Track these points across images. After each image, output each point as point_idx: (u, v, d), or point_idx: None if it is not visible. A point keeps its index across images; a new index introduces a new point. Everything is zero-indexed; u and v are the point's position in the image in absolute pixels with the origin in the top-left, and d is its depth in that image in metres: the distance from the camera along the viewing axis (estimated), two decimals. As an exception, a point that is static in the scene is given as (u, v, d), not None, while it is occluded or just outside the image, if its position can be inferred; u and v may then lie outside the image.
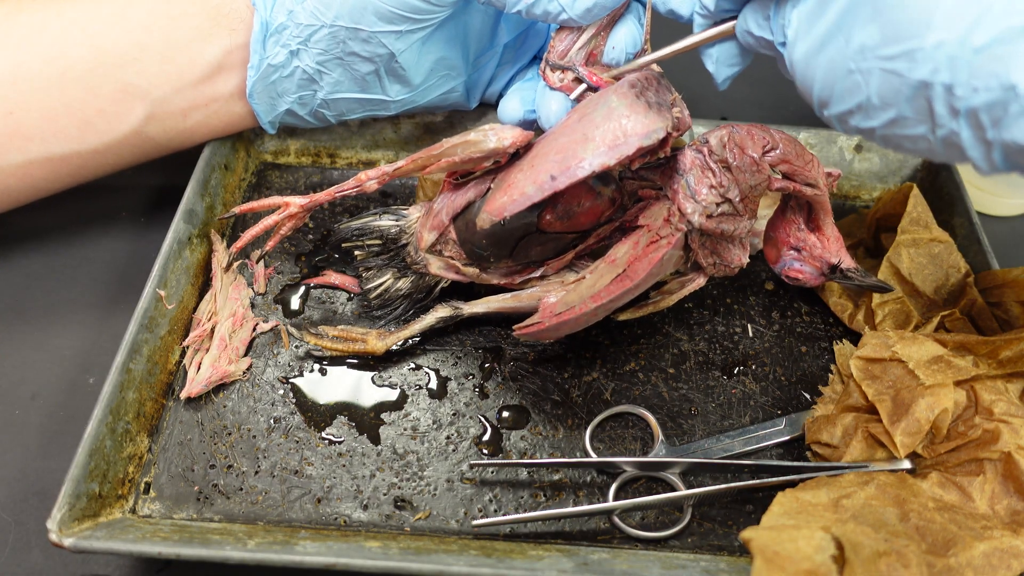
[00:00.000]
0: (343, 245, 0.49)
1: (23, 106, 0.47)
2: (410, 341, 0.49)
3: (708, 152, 0.43)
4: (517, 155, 0.44)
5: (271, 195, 0.57)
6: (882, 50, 0.30)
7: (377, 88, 0.49)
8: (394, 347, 0.49)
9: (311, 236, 0.55)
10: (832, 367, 0.48)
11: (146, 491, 0.43)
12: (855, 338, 0.50)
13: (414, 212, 0.49)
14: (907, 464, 0.42)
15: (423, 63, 0.49)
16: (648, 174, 0.45)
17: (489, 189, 0.44)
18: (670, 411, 0.47)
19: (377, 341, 0.47)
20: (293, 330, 0.47)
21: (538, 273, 0.47)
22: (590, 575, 0.38)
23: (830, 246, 0.46)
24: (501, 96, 0.53)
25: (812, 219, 0.47)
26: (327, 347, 0.47)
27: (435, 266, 0.48)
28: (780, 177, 0.44)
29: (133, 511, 0.42)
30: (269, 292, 0.52)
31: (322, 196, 0.47)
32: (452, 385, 0.48)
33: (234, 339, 0.48)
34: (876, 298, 0.49)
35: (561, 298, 0.45)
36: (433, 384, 0.48)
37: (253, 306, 0.51)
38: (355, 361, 0.49)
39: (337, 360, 0.48)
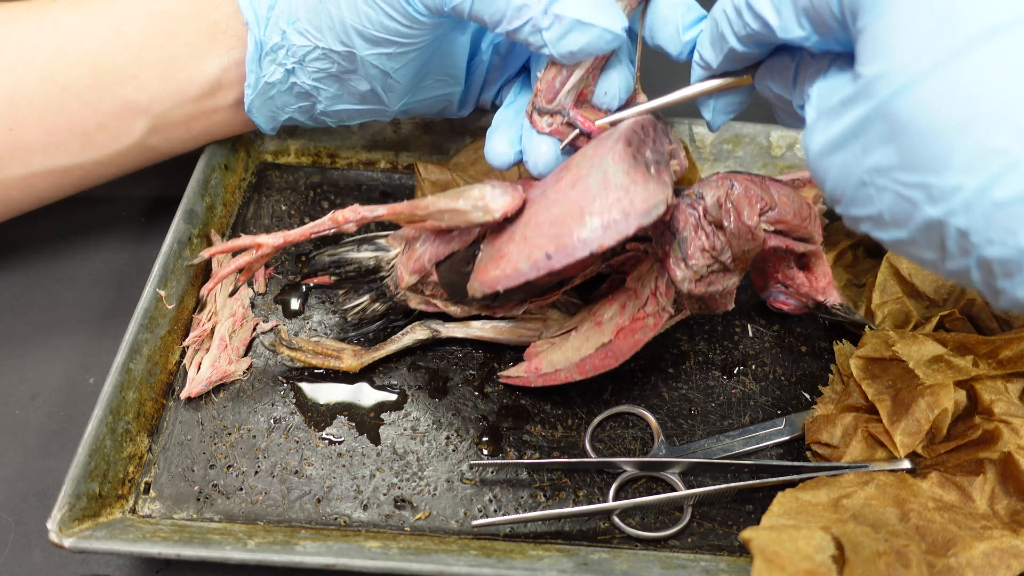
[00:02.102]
0: (318, 273, 0.49)
1: (23, 122, 0.47)
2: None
3: (703, 212, 0.41)
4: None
5: (271, 195, 0.57)
6: (898, 174, 0.28)
7: (375, 100, 0.49)
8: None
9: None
10: (832, 367, 0.48)
11: (146, 491, 0.43)
12: (855, 338, 0.50)
13: (394, 246, 0.47)
14: (907, 464, 0.42)
15: (419, 75, 0.48)
16: None
17: (476, 240, 0.43)
18: (670, 411, 0.47)
19: (352, 359, 0.47)
20: (265, 341, 0.47)
21: (521, 311, 0.46)
22: (590, 575, 0.38)
23: (818, 285, 0.46)
24: (494, 105, 0.52)
25: (803, 259, 0.46)
26: (302, 360, 0.47)
27: (415, 301, 0.47)
28: (774, 233, 0.43)
29: (133, 511, 0.42)
30: (269, 292, 0.52)
31: (296, 235, 0.43)
32: (452, 385, 0.48)
33: (234, 339, 0.48)
34: (876, 298, 0.49)
35: (546, 356, 0.44)
36: (433, 384, 0.48)
37: (253, 306, 0.51)
38: (355, 361, 0.49)
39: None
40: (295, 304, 0.51)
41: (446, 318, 0.48)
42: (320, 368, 0.47)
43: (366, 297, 0.48)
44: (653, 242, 0.43)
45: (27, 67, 0.46)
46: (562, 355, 0.44)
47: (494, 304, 0.45)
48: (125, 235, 0.57)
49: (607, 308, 0.44)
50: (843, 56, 0.33)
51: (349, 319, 0.48)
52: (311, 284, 0.52)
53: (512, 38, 0.40)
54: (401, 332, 0.48)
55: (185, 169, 0.53)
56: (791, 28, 0.32)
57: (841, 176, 0.30)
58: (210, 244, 0.53)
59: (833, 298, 0.46)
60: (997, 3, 0.25)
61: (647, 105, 0.42)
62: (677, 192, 0.42)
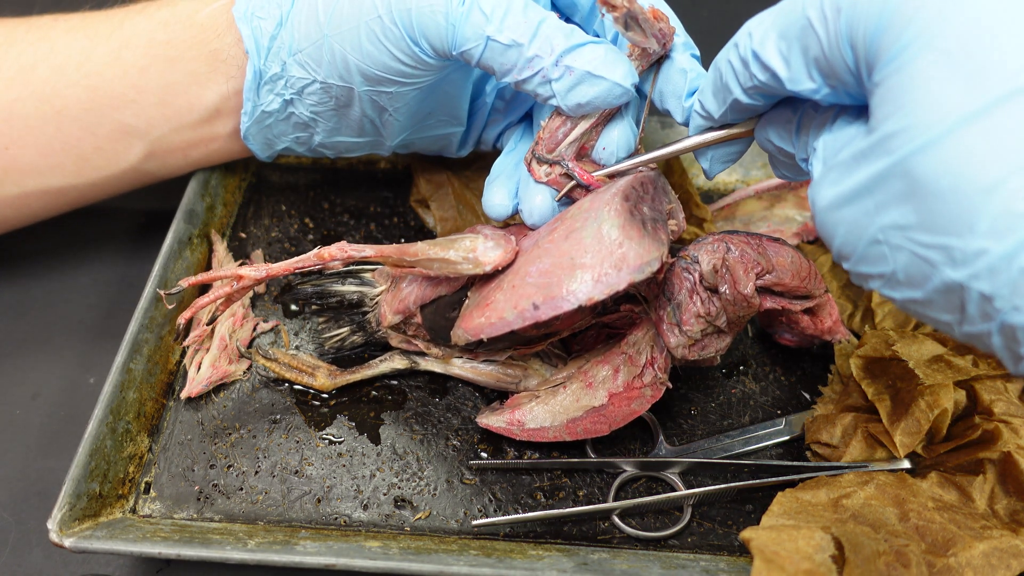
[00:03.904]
0: (299, 302, 0.48)
1: (18, 142, 0.47)
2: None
3: (699, 277, 0.41)
4: None
5: (271, 195, 0.57)
6: (915, 234, 0.26)
7: (373, 133, 0.48)
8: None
9: (311, 237, 0.55)
10: (832, 367, 0.48)
11: (146, 491, 0.43)
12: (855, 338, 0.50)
13: (379, 282, 0.47)
14: (907, 464, 0.42)
15: (419, 114, 0.48)
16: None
17: (463, 286, 0.42)
18: (670, 411, 0.47)
19: (326, 379, 0.46)
20: (243, 349, 0.47)
21: (503, 357, 0.45)
22: (590, 575, 0.38)
23: (823, 327, 0.45)
24: (494, 146, 0.52)
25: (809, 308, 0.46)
26: (275, 372, 0.46)
27: (396, 340, 0.47)
28: (771, 295, 0.43)
29: (133, 511, 0.42)
30: (269, 292, 0.52)
31: (279, 269, 0.42)
32: (452, 385, 0.48)
33: (234, 339, 0.48)
34: (876, 297, 0.49)
35: (530, 409, 0.43)
36: (433, 384, 0.48)
37: (253, 306, 0.51)
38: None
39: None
40: (295, 304, 0.51)
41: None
42: (293, 383, 0.47)
43: (346, 329, 0.48)
44: (648, 304, 0.42)
45: (25, 87, 0.46)
46: (548, 411, 0.43)
47: (477, 349, 0.45)
48: (126, 238, 0.57)
49: (599, 368, 0.43)
50: (849, 109, 0.31)
51: (327, 348, 0.48)
52: (292, 307, 0.51)
53: (519, 88, 0.40)
54: (379, 359, 0.47)
55: (186, 179, 0.53)
56: (801, 80, 0.31)
57: (851, 232, 0.28)
58: (210, 244, 0.53)
59: (840, 335, 0.45)
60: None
61: (646, 156, 0.40)
62: (673, 251, 0.42)
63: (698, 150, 0.40)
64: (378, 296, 0.47)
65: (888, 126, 0.27)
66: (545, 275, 0.37)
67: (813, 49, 0.30)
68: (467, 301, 0.42)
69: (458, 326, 0.40)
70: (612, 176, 0.41)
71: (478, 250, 0.40)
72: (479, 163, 0.56)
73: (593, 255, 0.36)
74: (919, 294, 0.27)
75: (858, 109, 0.31)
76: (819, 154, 0.31)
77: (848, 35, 0.28)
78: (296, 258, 0.42)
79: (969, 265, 0.25)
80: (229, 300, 0.43)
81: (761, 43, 0.32)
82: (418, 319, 0.45)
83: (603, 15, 0.37)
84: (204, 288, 0.51)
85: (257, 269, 0.42)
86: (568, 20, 0.43)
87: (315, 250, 0.42)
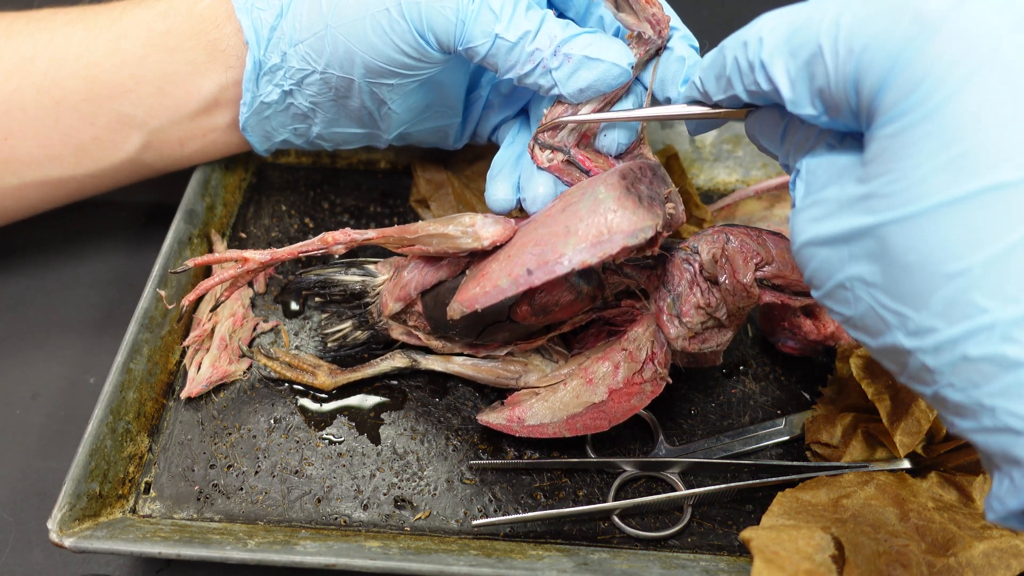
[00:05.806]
0: (303, 293, 0.48)
1: (17, 133, 0.47)
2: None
3: (699, 268, 0.41)
4: None
5: (271, 195, 0.57)
6: (878, 293, 0.28)
7: (371, 125, 0.48)
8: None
9: (311, 237, 0.55)
10: (832, 367, 0.48)
11: (146, 491, 0.43)
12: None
13: (382, 272, 0.47)
14: (907, 464, 0.42)
15: (417, 106, 0.48)
16: (633, 272, 0.42)
17: (464, 271, 0.42)
18: (670, 411, 0.47)
19: (327, 378, 0.46)
20: (245, 348, 0.47)
21: (503, 352, 0.45)
22: (590, 575, 0.38)
23: (826, 331, 0.45)
24: (489, 139, 0.52)
25: (809, 307, 0.46)
26: (276, 371, 0.46)
27: (397, 331, 0.47)
28: (770, 289, 0.43)
29: (133, 511, 0.42)
30: (269, 292, 0.52)
31: (284, 253, 0.43)
32: (452, 385, 0.48)
33: (234, 339, 0.48)
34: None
35: (530, 406, 0.43)
36: (433, 384, 0.48)
37: (253, 306, 0.51)
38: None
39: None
40: (295, 304, 0.51)
41: (427, 350, 0.47)
42: (293, 382, 0.47)
43: (348, 324, 0.48)
44: (648, 299, 0.42)
45: (24, 78, 0.46)
46: (548, 408, 0.43)
47: (477, 342, 0.45)
48: (126, 236, 0.57)
49: (599, 365, 0.43)
50: (832, 132, 0.32)
51: (329, 344, 0.48)
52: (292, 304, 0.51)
53: (521, 83, 0.41)
54: (380, 358, 0.47)
55: (185, 175, 0.53)
56: (803, 105, 0.31)
57: (822, 270, 0.30)
58: (210, 244, 0.53)
59: (844, 341, 0.45)
60: (1010, 157, 0.25)
61: (642, 111, 0.40)
62: (671, 247, 0.42)
63: (687, 121, 0.40)
64: (380, 286, 0.47)
65: (875, 186, 0.27)
66: (540, 243, 0.38)
67: (819, 80, 0.29)
68: (464, 279, 0.42)
69: (454, 301, 0.40)
70: (600, 110, 0.41)
71: (477, 224, 0.40)
72: (479, 163, 0.56)
73: (587, 223, 0.37)
74: (872, 343, 0.29)
75: (843, 134, 0.31)
76: (803, 177, 0.32)
77: (855, 79, 0.28)
78: (301, 243, 0.43)
79: (918, 338, 0.27)
80: (234, 284, 0.44)
81: (771, 56, 0.31)
82: (419, 307, 0.45)
83: None
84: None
85: (262, 253, 0.43)
86: (562, 16, 0.44)
87: (320, 235, 0.43)
